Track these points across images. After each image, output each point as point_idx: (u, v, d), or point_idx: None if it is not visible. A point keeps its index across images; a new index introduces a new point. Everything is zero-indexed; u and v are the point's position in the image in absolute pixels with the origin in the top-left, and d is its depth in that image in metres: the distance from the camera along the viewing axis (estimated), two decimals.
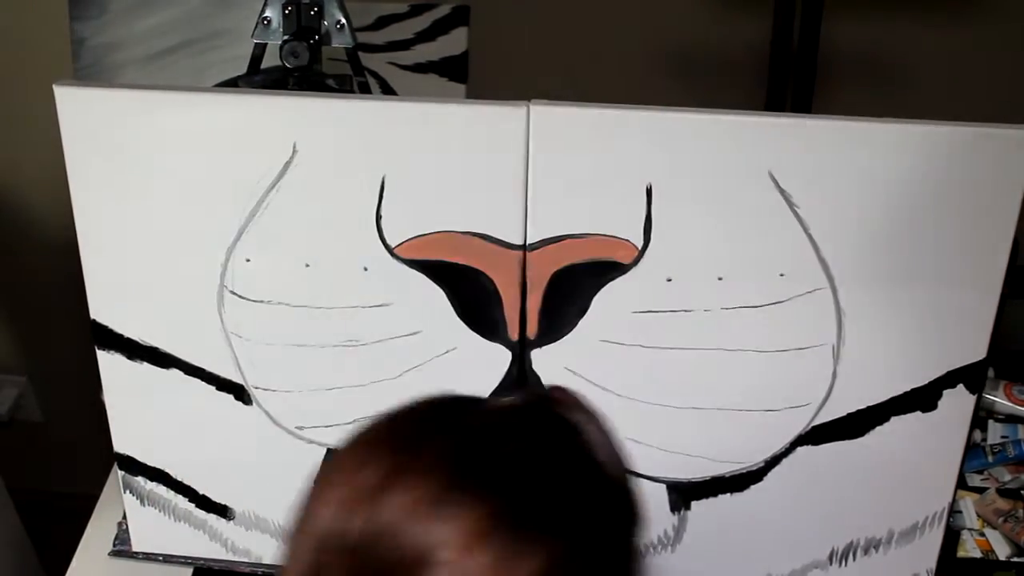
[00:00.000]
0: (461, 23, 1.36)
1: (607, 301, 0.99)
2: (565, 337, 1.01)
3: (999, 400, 1.33)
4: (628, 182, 0.95)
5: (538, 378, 1.03)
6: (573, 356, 1.02)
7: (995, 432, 1.34)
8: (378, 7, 1.35)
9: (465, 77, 1.38)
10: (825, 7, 1.14)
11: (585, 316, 1.00)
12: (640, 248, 0.97)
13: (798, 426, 1.03)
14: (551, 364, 1.02)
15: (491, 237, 0.98)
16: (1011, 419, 1.33)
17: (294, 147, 0.96)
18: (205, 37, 1.36)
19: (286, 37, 1.07)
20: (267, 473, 1.10)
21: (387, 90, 1.38)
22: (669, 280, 0.98)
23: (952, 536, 1.21)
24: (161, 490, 1.12)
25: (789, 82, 1.09)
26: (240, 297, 1.02)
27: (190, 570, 1.20)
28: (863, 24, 1.28)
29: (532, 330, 1.01)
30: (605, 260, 0.98)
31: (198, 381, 1.06)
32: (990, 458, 1.31)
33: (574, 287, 0.99)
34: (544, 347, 1.01)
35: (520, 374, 1.03)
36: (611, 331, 1.00)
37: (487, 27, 1.37)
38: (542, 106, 0.94)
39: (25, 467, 1.77)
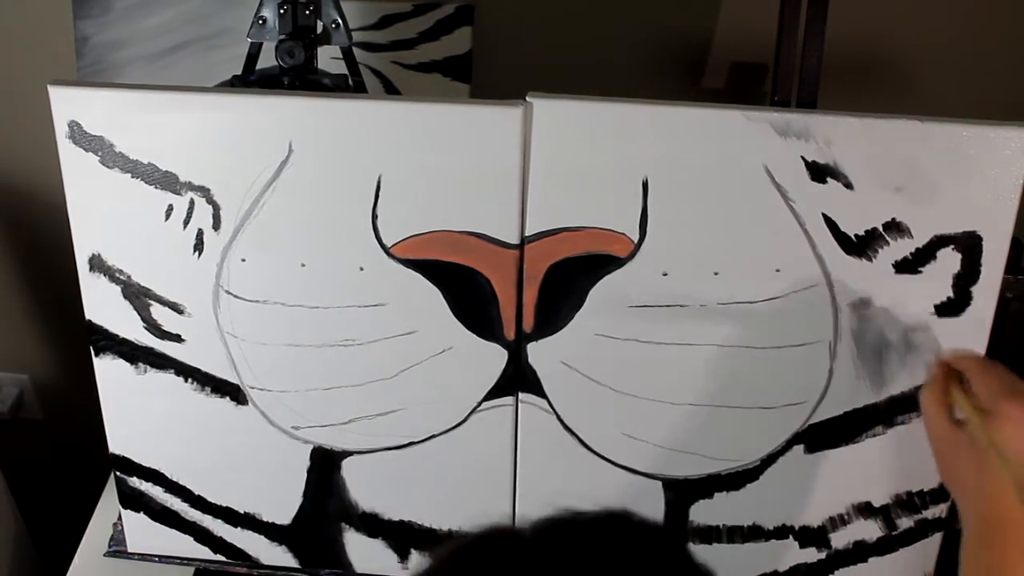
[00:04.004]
0: (465, 23, 1.36)
1: (603, 295, 0.99)
2: (561, 331, 1.00)
3: None
4: (625, 175, 0.95)
5: (535, 373, 1.02)
6: (568, 350, 1.01)
7: None
8: (382, 6, 1.35)
9: (469, 77, 1.38)
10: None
11: (581, 310, 0.99)
12: (636, 242, 0.97)
13: (794, 424, 1.03)
14: (547, 358, 1.02)
15: (487, 236, 0.98)
16: None
17: (290, 147, 0.96)
18: (209, 36, 1.36)
19: (282, 36, 1.07)
20: (263, 473, 1.10)
21: (391, 89, 1.37)
22: (665, 274, 0.98)
23: (953, 538, 1.20)
24: (156, 491, 1.12)
25: (794, 78, 1.09)
26: (236, 297, 1.02)
27: (190, 570, 1.21)
28: (865, 21, 1.27)
29: (528, 323, 1.01)
30: (601, 253, 0.98)
31: (194, 381, 1.06)
32: None
33: (570, 280, 0.99)
34: (540, 341, 1.01)
35: (516, 369, 1.02)
36: (606, 325, 1.00)
37: (491, 27, 1.37)
38: (540, 99, 0.93)
39: (27, 466, 1.78)
